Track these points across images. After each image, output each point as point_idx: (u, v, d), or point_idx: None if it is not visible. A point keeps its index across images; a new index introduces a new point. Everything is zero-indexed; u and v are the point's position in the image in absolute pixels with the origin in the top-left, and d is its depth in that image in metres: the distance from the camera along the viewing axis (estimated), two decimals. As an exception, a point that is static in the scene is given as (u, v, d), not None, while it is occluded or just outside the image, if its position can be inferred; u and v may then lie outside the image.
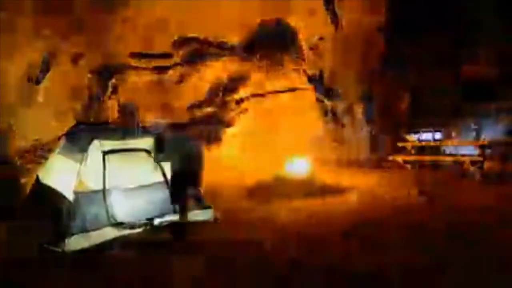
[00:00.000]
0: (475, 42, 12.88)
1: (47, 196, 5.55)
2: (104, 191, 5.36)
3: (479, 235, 5.09)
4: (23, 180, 7.51)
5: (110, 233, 5.20)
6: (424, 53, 13.38)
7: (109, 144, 5.64)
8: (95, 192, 5.31)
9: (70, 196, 5.15)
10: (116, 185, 5.50)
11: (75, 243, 4.86)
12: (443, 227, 5.52)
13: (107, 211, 5.29)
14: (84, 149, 5.41)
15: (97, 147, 5.52)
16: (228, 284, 3.97)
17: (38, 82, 8.48)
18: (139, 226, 5.40)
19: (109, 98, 9.50)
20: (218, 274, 4.15)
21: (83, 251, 4.77)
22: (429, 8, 12.38)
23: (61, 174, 5.51)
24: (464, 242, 4.87)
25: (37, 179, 5.99)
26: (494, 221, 5.62)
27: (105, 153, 5.54)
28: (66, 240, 4.80)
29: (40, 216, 5.48)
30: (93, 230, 5.06)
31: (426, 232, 5.39)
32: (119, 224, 5.29)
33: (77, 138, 5.89)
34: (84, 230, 4.99)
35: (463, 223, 5.64)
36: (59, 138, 8.34)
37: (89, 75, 9.33)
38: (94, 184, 5.34)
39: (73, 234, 4.88)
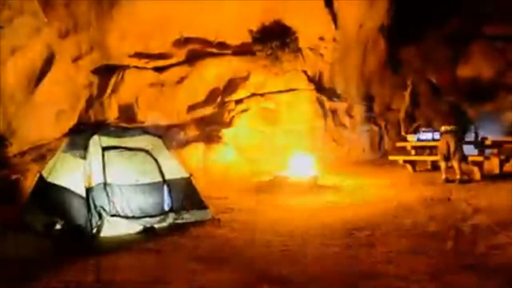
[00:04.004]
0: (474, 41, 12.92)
1: (55, 194, 5.68)
2: (106, 185, 5.47)
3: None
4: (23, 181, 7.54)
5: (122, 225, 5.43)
6: (424, 53, 13.41)
7: (108, 141, 5.73)
8: (99, 184, 5.42)
9: (82, 192, 5.26)
10: (114, 181, 5.58)
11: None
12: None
13: (109, 204, 5.42)
14: (85, 145, 5.56)
15: (96, 142, 5.63)
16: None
17: (38, 82, 8.48)
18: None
19: (109, 98, 9.50)
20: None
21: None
22: (429, 8, 12.38)
23: (69, 172, 5.64)
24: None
25: (41, 178, 6.07)
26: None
27: (104, 149, 5.64)
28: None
29: (47, 213, 5.60)
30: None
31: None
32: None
33: (79, 136, 6.05)
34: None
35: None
36: (59, 138, 8.42)
37: (89, 75, 9.34)
38: (97, 178, 5.46)
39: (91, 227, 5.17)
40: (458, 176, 8.39)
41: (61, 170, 5.87)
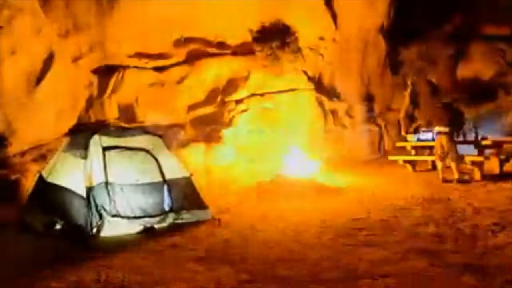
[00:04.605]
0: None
1: (55, 194, 5.68)
2: (106, 184, 5.48)
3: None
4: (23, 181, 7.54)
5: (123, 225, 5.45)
6: (424, 53, 13.41)
7: (108, 141, 5.74)
8: (100, 184, 5.42)
9: (82, 192, 5.26)
10: (114, 181, 5.59)
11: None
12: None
13: (110, 204, 5.42)
14: (86, 145, 5.57)
15: (97, 142, 5.64)
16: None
17: (38, 82, 8.48)
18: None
19: (109, 98, 9.50)
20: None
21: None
22: (429, 8, 12.40)
23: (69, 172, 5.65)
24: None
25: (41, 178, 6.08)
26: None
27: (104, 148, 5.65)
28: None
29: (47, 213, 5.61)
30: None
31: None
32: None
33: (79, 136, 6.06)
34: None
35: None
36: (59, 138, 8.43)
37: (89, 75, 9.34)
38: (98, 177, 5.47)
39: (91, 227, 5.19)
40: (456, 176, 8.43)
41: (61, 170, 5.88)
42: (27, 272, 4.22)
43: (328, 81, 12.22)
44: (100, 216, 5.30)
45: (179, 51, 10.12)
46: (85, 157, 5.56)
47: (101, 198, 5.41)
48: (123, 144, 5.88)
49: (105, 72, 9.51)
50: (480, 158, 8.95)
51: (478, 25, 12.89)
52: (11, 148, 8.10)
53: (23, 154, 8.25)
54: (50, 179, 5.94)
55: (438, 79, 13.31)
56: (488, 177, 8.55)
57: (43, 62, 8.48)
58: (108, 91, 9.49)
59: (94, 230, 5.24)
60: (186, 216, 5.90)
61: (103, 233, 5.28)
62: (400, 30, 12.83)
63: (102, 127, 7.30)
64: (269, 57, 10.49)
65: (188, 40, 10.11)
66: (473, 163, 8.87)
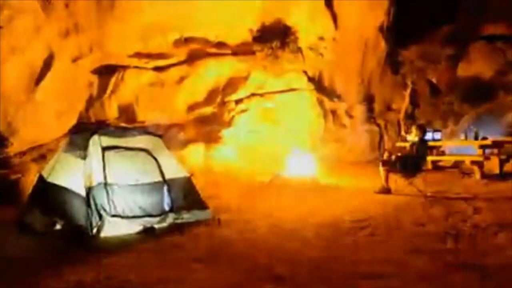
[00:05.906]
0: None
1: (55, 194, 5.69)
2: (106, 185, 5.48)
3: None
4: (23, 181, 7.54)
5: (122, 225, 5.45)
6: (424, 53, 13.42)
7: (108, 141, 5.74)
8: (99, 184, 5.42)
9: (82, 192, 5.27)
10: (114, 181, 5.59)
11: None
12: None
13: (110, 204, 5.43)
14: (86, 145, 5.58)
15: (96, 142, 5.64)
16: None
17: (38, 82, 8.48)
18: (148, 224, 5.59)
19: (109, 98, 9.51)
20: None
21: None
22: (429, 8, 12.40)
23: (69, 172, 5.65)
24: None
25: (41, 178, 6.09)
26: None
27: (104, 148, 5.65)
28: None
29: (47, 213, 5.61)
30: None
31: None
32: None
33: (79, 136, 6.06)
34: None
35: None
36: (59, 138, 8.44)
37: (89, 75, 9.34)
38: (98, 178, 5.47)
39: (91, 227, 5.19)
40: None
41: (61, 170, 5.88)
42: (27, 272, 4.22)
43: (328, 81, 12.23)
44: (100, 216, 5.30)
45: (179, 51, 10.12)
46: (84, 157, 5.56)
47: (101, 198, 5.40)
48: (123, 144, 5.88)
49: (105, 72, 9.52)
50: (480, 158, 8.95)
51: (478, 25, 12.89)
52: (11, 148, 8.10)
53: (23, 154, 8.26)
54: (50, 179, 5.94)
55: (438, 79, 13.31)
56: (488, 177, 8.55)
57: (43, 62, 8.48)
58: (108, 91, 9.50)
59: (94, 230, 5.23)
60: (186, 216, 5.90)
61: (103, 233, 5.27)
62: (400, 30, 12.83)
63: (102, 127, 7.30)
64: (269, 57, 10.49)
65: (188, 40, 10.11)
66: (473, 163, 8.87)
